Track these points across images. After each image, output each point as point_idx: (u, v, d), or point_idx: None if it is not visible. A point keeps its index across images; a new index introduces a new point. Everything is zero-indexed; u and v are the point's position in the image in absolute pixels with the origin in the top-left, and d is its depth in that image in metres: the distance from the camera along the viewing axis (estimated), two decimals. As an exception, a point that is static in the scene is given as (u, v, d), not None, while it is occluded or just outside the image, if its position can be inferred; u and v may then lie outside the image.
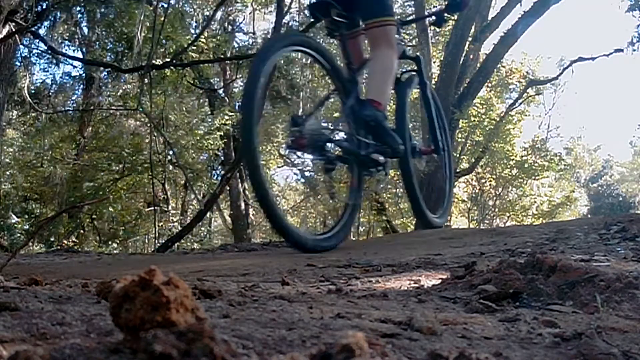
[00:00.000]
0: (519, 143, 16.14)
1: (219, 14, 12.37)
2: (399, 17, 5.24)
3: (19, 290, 1.17)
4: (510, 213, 16.55)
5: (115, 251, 10.84)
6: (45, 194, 12.10)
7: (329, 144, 2.83)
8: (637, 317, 1.01)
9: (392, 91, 3.17)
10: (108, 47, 11.64)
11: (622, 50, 11.75)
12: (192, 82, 12.74)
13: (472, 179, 15.60)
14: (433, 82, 9.68)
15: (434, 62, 12.38)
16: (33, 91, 11.51)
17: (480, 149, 13.76)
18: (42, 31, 9.89)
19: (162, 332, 0.55)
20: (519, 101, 15.22)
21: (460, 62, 10.03)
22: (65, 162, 12.04)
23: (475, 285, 1.27)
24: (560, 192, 19.77)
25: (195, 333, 0.54)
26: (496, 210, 16.36)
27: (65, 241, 10.99)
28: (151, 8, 9.87)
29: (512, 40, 10.18)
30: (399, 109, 3.41)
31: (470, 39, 10.24)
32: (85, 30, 11.95)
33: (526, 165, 15.22)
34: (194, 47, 10.60)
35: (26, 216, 12.11)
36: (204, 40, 11.60)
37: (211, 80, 14.18)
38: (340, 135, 3.01)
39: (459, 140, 13.40)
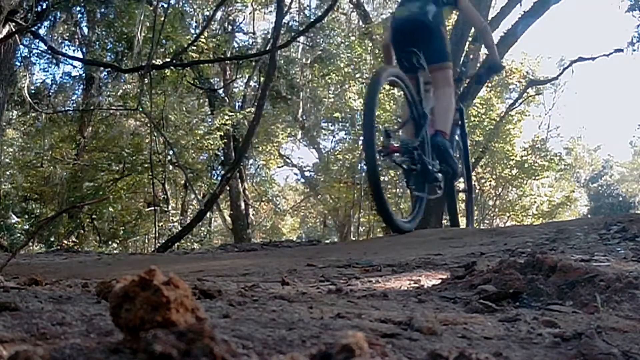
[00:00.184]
0: (519, 143, 16.14)
1: (219, 14, 12.38)
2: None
3: (19, 290, 1.17)
4: (510, 213, 16.53)
5: (115, 251, 10.83)
6: (45, 194, 12.09)
7: (415, 152, 3.62)
8: (637, 317, 1.01)
9: None
10: (108, 47, 11.64)
11: (622, 50, 11.76)
12: (192, 82, 12.75)
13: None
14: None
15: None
16: (33, 91, 11.50)
17: (480, 149, 13.75)
18: (42, 31, 9.91)
19: (162, 332, 0.55)
20: (519, 101, 15.22)
21: (460, 62, 10.01)
22: (65, 162, 12.03)
23: (475, 285, 1.27)
24: (560, 192, 19.77)
25: (195, 333, 0.54)
26: (496, 210, 16.35)
27: (65, 241, 10.98)
28: (151, 8, 9.87)
29: (512, 40, 10.16)
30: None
31: (470, 38, 10.23)
32: (85, 30, 11.97)
33: (526, 165, 15.21)
34: (194, 47, 10.60)
35: (26, 216, 12.09)
36: (204, 40, 11.60)
37: (211, 80, 14.18)
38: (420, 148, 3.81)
39: (459, 140, 13.37)
